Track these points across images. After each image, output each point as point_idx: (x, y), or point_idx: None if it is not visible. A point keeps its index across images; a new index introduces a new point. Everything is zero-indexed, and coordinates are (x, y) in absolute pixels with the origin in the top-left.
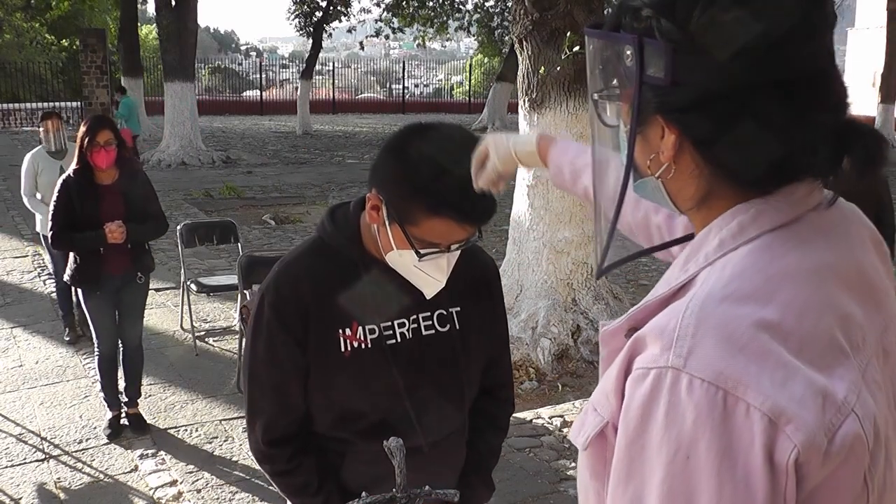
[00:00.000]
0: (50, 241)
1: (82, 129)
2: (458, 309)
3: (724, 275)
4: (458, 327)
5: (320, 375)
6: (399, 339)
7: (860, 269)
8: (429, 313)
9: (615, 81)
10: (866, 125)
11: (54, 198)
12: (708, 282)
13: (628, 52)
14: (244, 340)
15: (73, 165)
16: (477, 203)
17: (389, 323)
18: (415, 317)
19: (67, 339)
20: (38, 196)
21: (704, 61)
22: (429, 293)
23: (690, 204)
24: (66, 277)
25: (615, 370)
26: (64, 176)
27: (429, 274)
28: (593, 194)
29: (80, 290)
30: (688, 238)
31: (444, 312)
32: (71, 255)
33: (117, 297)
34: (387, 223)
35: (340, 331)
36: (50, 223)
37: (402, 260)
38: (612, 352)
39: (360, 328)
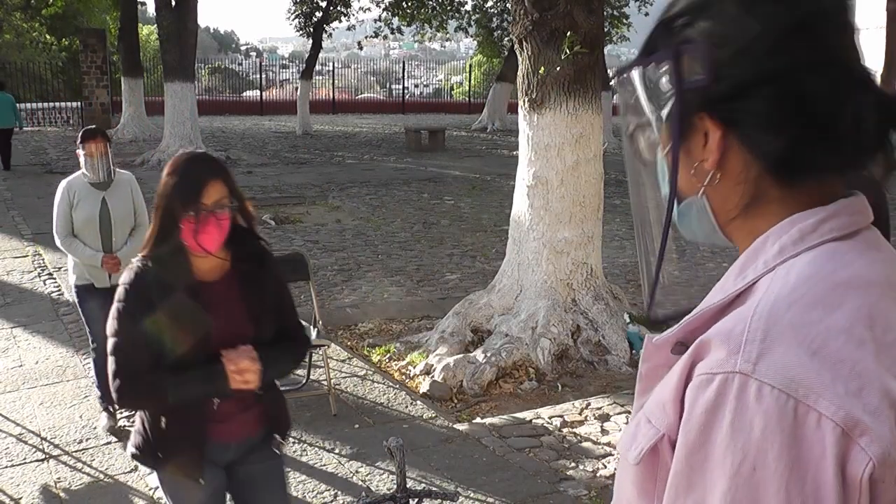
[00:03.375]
0: (115, 394)
1: (167, 176)
2: None
3: (790, 280)
4: None
5: None
6: None
7: None
8: None
9: (652, 109)
10: None
11: (114, 312)
12: (774, 287)
13: (665, 67)
14: None
15: (150, 244)
16: None
17: None
18: None
19: (107, 426)
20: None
21: (744, 49)
22: None
23: (735, 213)
24: (129, 449)
25: (674, 379)
26: (132, 270)
27: None
28: (636, 238)
29: (156, 471)
30: None
31: None
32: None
33: (233, 485)
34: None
35: None
36: (112, 362)
37: None
38: (655, 367)
39: None
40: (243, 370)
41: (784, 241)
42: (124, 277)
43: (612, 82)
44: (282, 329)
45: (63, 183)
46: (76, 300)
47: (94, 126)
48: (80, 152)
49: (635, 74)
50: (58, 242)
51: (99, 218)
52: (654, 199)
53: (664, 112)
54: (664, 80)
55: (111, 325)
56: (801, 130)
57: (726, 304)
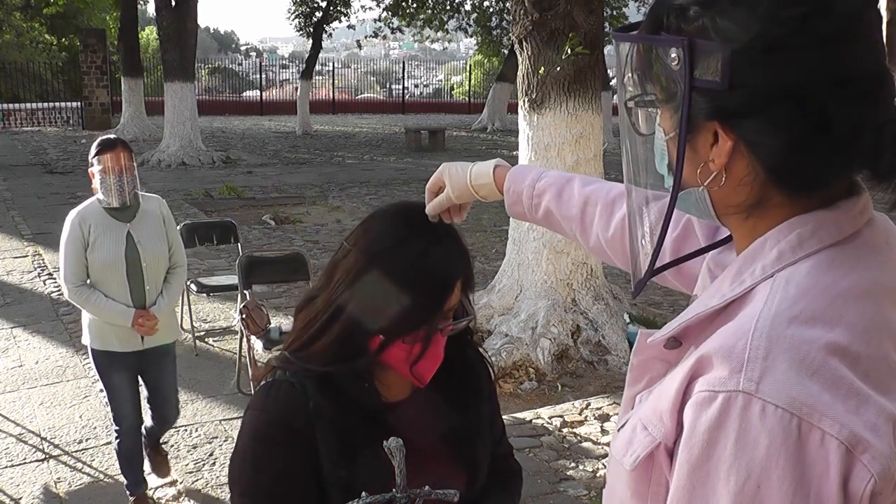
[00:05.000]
0: None
1: (374, 245)
2: None
3: (789, 293)
4: None
5: None
6: None
7: None
8: None
9: (652, 87)
10: None
11: (249, 459)
12: (773, 300)
13: (674, 56)
14: None
15: (319, 357)
16: None
17: None
18: None
19: None
20: (89, 281)
21: (766, 60)
22: None
23: (735, 211)
24: None
25: (673, 390)
26: (276, 396)
27: None
28: (627, 208)
29: None
30: (719, 244)
31: None
32: None
33: None
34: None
35: None
36: None
37: None
38: (647, 360)
39: None
40: None
41: (782, 246)
42: (261, 402)
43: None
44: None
45: (72, 215)
46: (94, 367)
47: (112, 135)
48: (95, 168)
49: (640, 51)
50: (67, 294)
51: (125, 260)
52: (648, 172)
53: (669, 101)
54: (673, 66)
55: (245, 479)
56: (817, 149)
57: (722, 307)
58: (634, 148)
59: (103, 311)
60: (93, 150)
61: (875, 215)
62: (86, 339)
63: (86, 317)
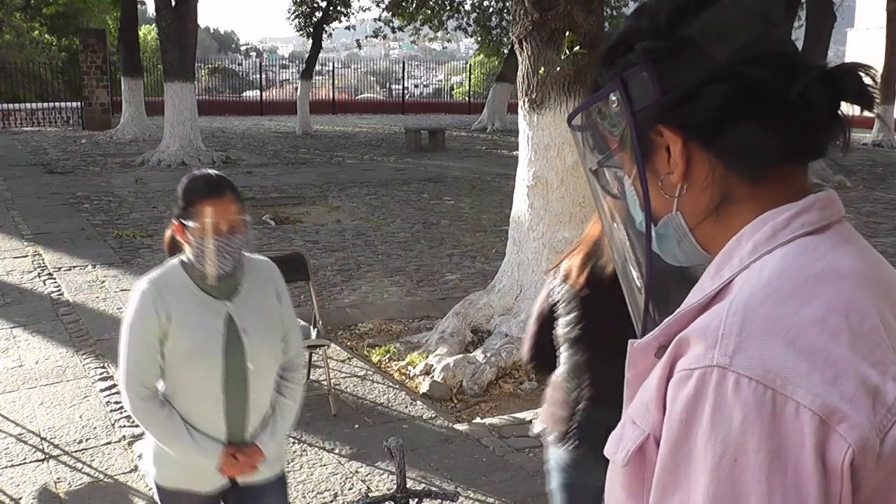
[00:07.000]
0: None
1: None
2: None
3: (763, 276)
4: None
5: None
6: None
7: (889, 282)
8: None
9: (611, 142)
10: (848, 63)
11: None
12: (748, 283)
13: (614, 98)
14: None
15: None
16: None
17: None
18: None
19: None
20: (162, 390)
21: (684, 57)
22: None
23: (704, 216)
24: None
25: (655, 378)
26: None
27: None
28: (621, 278)
29: None
30: None
31: None
32: None
33: None
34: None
35: None
36: None
37: None
38: (640, 373)
39: None
40: None
41: (757, 238)
42: None
43: (570, 122)
44: None
45: (143, 285)
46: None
47: (213, 172)
48: (189, 223)
49: (588, 115)
50: (128, 406)
51: (224, 359)
52: (633, 232)
53: (623, 140)
54: (616, 109)
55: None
56: (754, 118)
57: (704, 303)
58: (609, 211)
59: (180, 446)
60: (187, 192)
61: (845, 221)
62: (147, 467)
63: (150, 444)
